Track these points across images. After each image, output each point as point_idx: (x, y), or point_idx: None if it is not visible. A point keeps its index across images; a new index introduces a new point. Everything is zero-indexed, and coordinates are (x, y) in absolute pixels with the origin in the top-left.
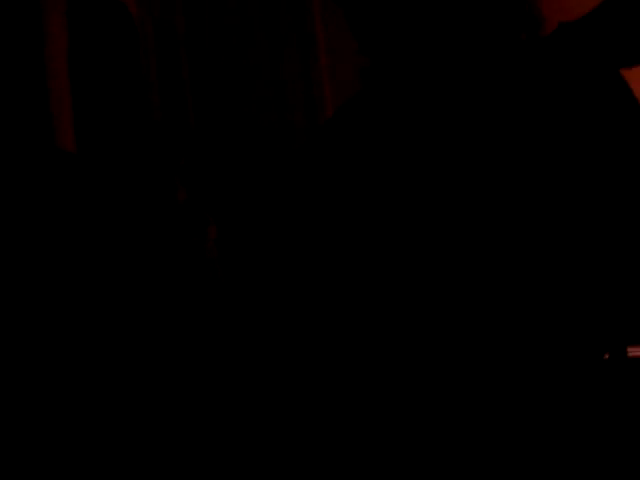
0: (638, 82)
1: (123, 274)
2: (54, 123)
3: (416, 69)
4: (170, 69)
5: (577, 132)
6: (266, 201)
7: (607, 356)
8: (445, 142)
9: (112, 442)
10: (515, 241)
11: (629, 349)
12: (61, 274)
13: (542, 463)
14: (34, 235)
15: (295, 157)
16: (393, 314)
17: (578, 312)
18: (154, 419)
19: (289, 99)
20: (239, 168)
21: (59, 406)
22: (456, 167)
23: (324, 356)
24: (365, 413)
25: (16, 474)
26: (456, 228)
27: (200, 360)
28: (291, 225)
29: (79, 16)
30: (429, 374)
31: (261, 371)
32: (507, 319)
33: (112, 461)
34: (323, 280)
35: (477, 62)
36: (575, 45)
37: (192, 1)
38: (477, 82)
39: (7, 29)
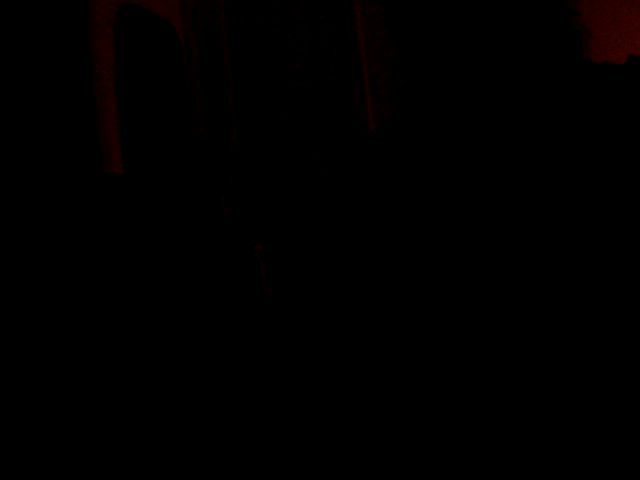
0: None
1: (170, 290)
2: (102, 141)
3: (456, 96)
4: (214, 87)
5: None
6: (308, 220)
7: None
8: (485, 170)
9: (113, 442)
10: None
11: None
12: (109, 292)
13: (543, 463)
14: (84, 254)
15: (335, 177)
16: (395, 314)
17: (580, 313)
18: (157, 419)
19: (332, 117)
20: (282, 185)
21: (65, 405)
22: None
23: (326, 356)
24: (365, 413)
25: (16, 474)
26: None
27: (227, 369)
28: (327, 244)
29: (126, 36)
30: (430, 374)
31: (264, 371)
32: (509, 320)
33: (112, 461)
34: (339, 288)
35: (521, 87)
36: None
37: (236, 20)
38: (521, 109)
39: (55, 51)
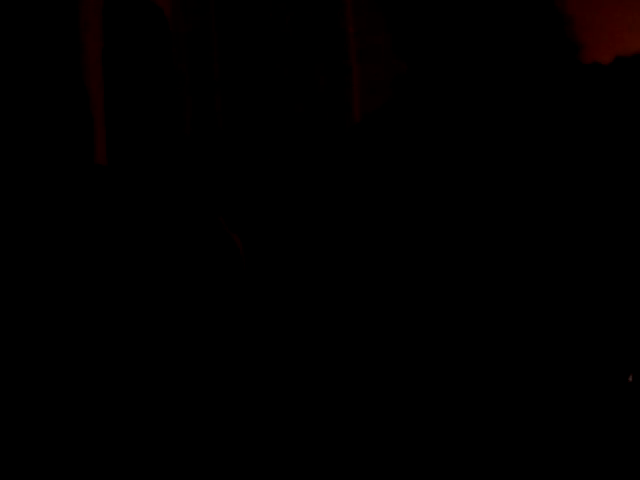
0: None
1: (147, 282)
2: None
3: (453, 84)
4: (202, 75)
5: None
6: (288, 212)
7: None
8: (473, 163)
9: (112, 442)
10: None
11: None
12: (86, 281)
13: (543, 464)
14: (63, 243)
15: (319, 166)
16: (396, 314)
17: (580, 316)
18: (155, 419)
19: (319, 105)
20: (264, 177)
21: (62, 406)
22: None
23: (326, 356)
24: (365, 413)
25: (16, 474)
26: (467, 231)
27: (207, 361)
28: (307, 234)
29: (115, 22)
30: (430, 374)
31: (264, 371)
32: (508, 321)
33: (112, 461)
34: (330, 283)
35: (516, 82)
36: (634, 81)
37: (226, 5)
38: (514, 102)
39: (43, 35)
